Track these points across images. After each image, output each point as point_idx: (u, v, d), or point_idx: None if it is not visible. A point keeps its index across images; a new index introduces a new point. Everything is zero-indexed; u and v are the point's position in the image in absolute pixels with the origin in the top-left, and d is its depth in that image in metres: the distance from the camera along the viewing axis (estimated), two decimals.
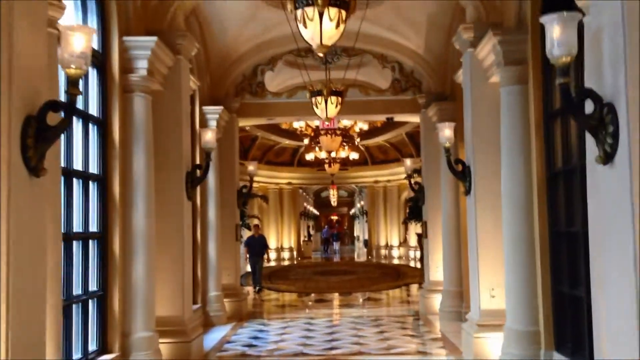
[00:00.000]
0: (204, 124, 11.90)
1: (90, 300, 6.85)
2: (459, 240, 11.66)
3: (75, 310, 6.51)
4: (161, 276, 8.00)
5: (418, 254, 30.03)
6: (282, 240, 32.78)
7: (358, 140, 25.52)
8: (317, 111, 10.76)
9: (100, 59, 7.18)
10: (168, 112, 8.27)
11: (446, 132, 8.53)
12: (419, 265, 26.75)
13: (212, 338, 10.37)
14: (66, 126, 4.14)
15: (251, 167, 13.09)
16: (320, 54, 7.12)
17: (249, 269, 18.25)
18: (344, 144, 24.53)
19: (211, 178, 11.91)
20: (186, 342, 8.08)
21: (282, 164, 32.13)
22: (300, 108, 12.99)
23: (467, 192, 8.47)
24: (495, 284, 8.11)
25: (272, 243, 30.79)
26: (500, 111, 7.82)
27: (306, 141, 24.83)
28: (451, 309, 11.69)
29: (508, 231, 7.48)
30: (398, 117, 14.23)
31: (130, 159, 7.41)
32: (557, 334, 7.01)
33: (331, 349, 9.46)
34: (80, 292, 6.61)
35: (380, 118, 15.10)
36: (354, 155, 25.93)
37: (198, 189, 11.49)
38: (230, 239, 12.62)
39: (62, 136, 6.10)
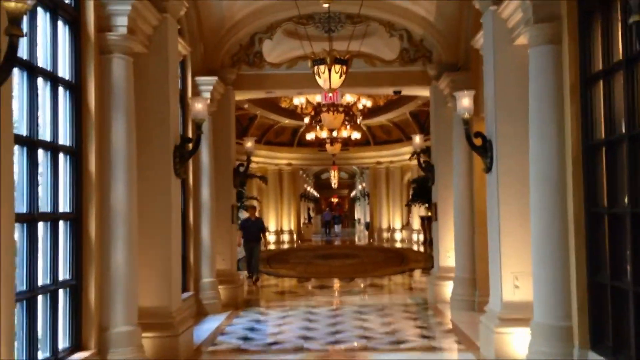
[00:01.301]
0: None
1: (61, 291, 5.97)
2: (472, 223, 10.82)
3: (42, 302, 5.63)
4: (145, 262, 7.13)
5: (421, 237, 29.30)
6: (281, 222, 31.95)
7: (360, 119, 24.58)
8: (320, 81, 9.85)
9: (72, 14, 6.23)
10: (153, 78, 7.35)
11: (464, 101, 7.62)
12: (422, 249, 26.03)
13: (205, 329, 9.52)
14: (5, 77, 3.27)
15: (249, 143, 12.17)
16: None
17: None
18: (346, 123, 23.62)
19: (205, 155, 11.03)
20: (173, 337, 7.22)
21: (282, 144, 31.24)
22: (301, 80, 12.04)
23: (488, 169, 7.57)
24: (520, 273, 7.25)
25: (271, 226, 29.97)
26: (527, 77, 6.92)
27: (307, 120, 23.85)
28: (463, 298, 10.86)
29: (537, 213, 6.57)
30: (406, 91, 13.25)
31: (109, 129, 6.49)
32: (594, 330, 6.13)
33: (335, 342, 8.61)
34: (48, 281, 5.73)
35: (387, 91, 14.15)
36: (356, 135, 25.02)
37: (190, 166, 10.64)
38: (225, 221, 11.73)
39: (21, 98, 5.21)
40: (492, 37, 7.50)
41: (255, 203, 26.01)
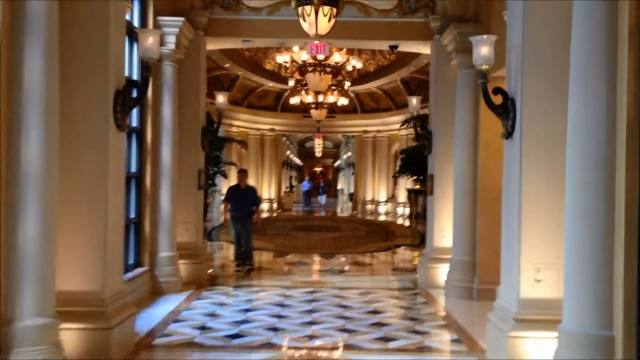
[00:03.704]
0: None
1: None
2: (475, 200, 9.41)
3: None
4: (69, 235, 5.64)
5: (407, 210, 27.97)
6: (261, 190, 30.42)
7: (349, 84, 22.97)
8: (305, 25, 8.32)
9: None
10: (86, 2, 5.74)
11: (484, 49, 6.07)
12: (407, 223, 24.68)
13: (157, 314, 8.04)
14: None
15: (220, 98, 10.54)
16: None
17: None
18: (333, 88, 22.02)
19: (167, 109, 9.44)
20: (104, 330, 5.71)
21: (265, 108, 29.64)
22: (285, 28, 10.44)
23: (509, 134, 6.08)
24: (543, 264, 5.83)
25: None
26: (561, 24, 5.51)
27: (291, 83, 22.22)
28: (460, 284, 9.50)
29: (574, 192, 5.08)
30: (404, 46, 11.62)
31: (18, 61, 4.88)
32: None
33: (310, 337, 7.16)
34: None
35: (382, 46, 12.50)
36: (343, 102, 23.40)
37: (149, 122, 9.07)
38: (190, 187, 10.19)
39: None
40: None
41: (233, 168, 24.42)
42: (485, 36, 6.17)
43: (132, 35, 8.24)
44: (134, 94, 6.21)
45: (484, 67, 6.12)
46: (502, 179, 6.82)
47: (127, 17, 8.41)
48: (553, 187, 5.76)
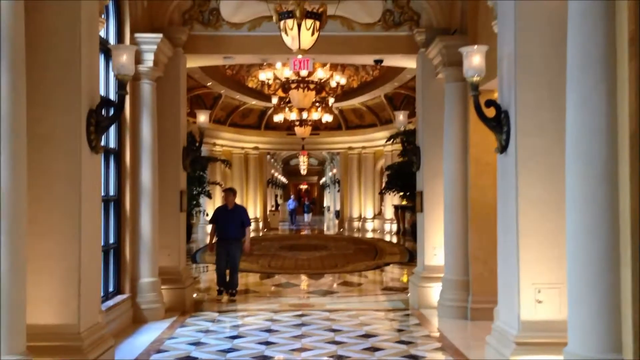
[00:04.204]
0: (136, 59, 9.00)
1: None
2: (466, 215, 9.18)
3: None
4: (41, 265, 5.26)
5: (394, 227, 27.70)
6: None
7: (332, 100, 22.76)
8: (287, 40, 8.09)
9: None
10: (56, 18, 5.42)
11: (475, 59, 5.84)
12: (395, 240, 24.38)
13: (138, 344, 7.64)
14: None
15: (202, 117, 10.22)
16: None
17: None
18: (317, 104, 21.80)
19: (146, 129, 9.11)
20: None
21: (249, 126, 29.39)
22: (266, 44, 10.15)
23: (503, 148, 5.82)
24: (544, 284, 5.55)
25: None
26: (556, 32, 5.36)
27: (275, 101, 21.98)
28: (453, 303, 9.20)
29: (576, 207, 4.81)
30: (389, 60, 11.39)
31: None
32: None
33: None
34: None
35: (367, 60, 12.25)
36: (327, 118, 23.22)
37: (127, 143, 8.74)
38: (172, 209, 9.82)
39: None
40: None
41: (217, 188, 23.99)
42: (475, 46, 5.94)
43: (108, 53, 7.92)
44: (109, 113, 5.88)
45: (475, 78, 5.88)
46: (496, 194, 6.58)
47: (103, 34, 8.12)
48: (552, 203, 5.50)
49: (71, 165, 5.42)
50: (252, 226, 29.09)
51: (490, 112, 5.94)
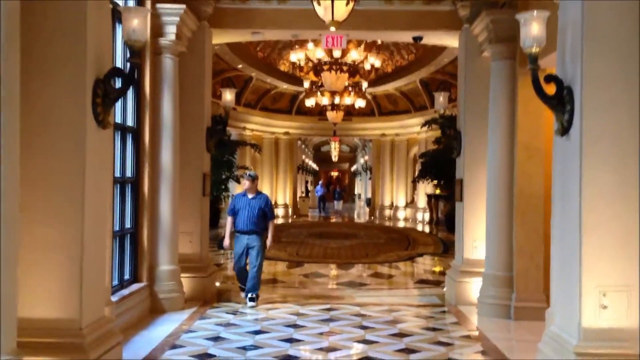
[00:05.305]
0: (157, 32, 8.41)
1: None
2: (511, 206, 8.45)
3: None
4: (38, 254, 4.69)
5: (427, 216, 26.91)
6: (276, 196, 29.54)
7: (366, 85, 22.01)
8: (320, 10, 7.40)
9: None
10: None
11: (534, 27, 5.07)
12: (428, 230, 23.61)
13: (153, 337, 7.08)
14: None
15: (228, 95, 9.59)
16: None
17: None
18: (350, 89, 21.09)
19: (167, 107, 8.52)
20: None
21: (279, 111, 28.77)
22: (298, 17, 9.48)
23: (565, 130, 5.05)
24: (610, 287, 4.79)
25: None
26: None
27: (306, 84, 21.31)
28: (495, 301, 8.49)
29: None
30: (429, 37, 10.57)
31: None
32: None
33: None
34: None
35: (405, 37, 11.43)
36: (360, 103, 22.50)
37: (147, 122, 8.16)
38: (194, 193, 9.24)
39: None
40: None
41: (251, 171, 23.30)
42: (535, 12, 5.15)
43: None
44: (119, 84, 5.27)
45: (534, 49, 5.11)
46: (545, 184, 5.86)
47: (121, 3, 7.53)
48: (622, 194, 4.73)
49: (74, 141, 4.81)
50: (281, 212, 29.14)
51: (550, 89, 5.18)
